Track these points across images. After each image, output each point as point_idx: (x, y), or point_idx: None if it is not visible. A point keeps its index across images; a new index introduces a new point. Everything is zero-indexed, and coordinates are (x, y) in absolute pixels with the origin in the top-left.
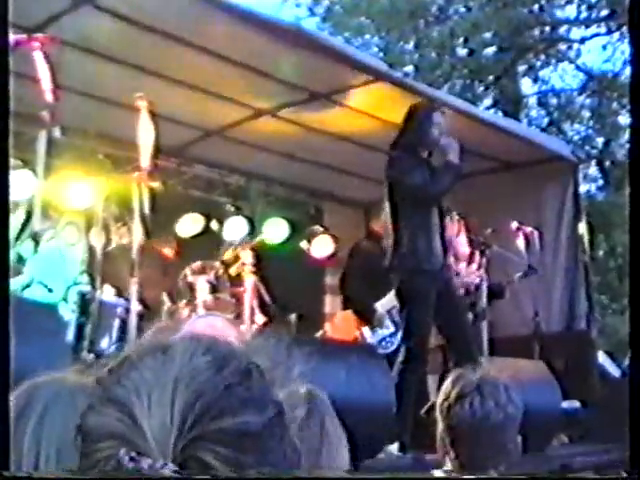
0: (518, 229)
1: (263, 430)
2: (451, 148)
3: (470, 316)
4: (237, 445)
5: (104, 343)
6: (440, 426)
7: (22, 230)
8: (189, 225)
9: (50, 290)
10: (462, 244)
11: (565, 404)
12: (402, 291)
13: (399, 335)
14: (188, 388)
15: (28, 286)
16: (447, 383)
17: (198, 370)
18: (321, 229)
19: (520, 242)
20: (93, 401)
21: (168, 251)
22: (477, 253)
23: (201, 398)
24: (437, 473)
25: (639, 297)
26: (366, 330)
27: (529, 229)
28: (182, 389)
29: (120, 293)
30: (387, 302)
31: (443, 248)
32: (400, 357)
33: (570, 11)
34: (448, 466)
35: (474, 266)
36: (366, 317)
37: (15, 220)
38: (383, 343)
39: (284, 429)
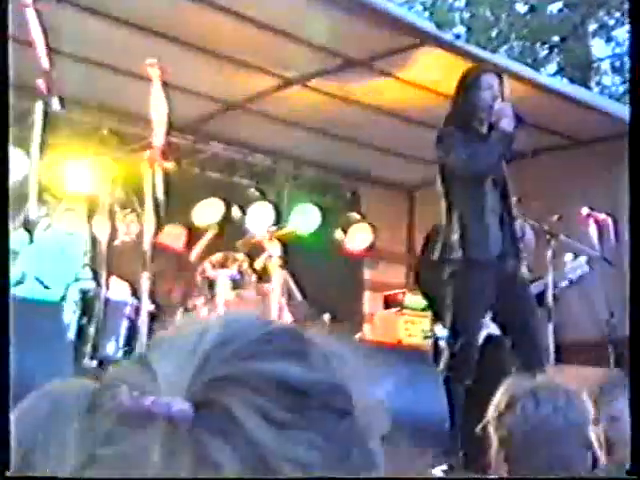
0: (589, 215)
1: (306, 385)
2: (504, 113)
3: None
4: (272, 394)
5: (110, 348)
6: (494, 441)
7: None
8: (207, 212)
9: (47, 287)
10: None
11: None
12: (449, 286)
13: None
14: (217, 334)
15: (21, 282)
16: (499, 392)
17: (232, 321)
18: (358, 217)
19: (592, 231)
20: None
21: (177, 244)
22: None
23: (232, 342)
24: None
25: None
26: (438, 328)
27: (602, 215)
28: (209, 336)
29: (132, 290)
30: None
31: (506, 233)
32: (443, 364)
33: None
34: None
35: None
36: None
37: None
38: None
39: (333, 405)
